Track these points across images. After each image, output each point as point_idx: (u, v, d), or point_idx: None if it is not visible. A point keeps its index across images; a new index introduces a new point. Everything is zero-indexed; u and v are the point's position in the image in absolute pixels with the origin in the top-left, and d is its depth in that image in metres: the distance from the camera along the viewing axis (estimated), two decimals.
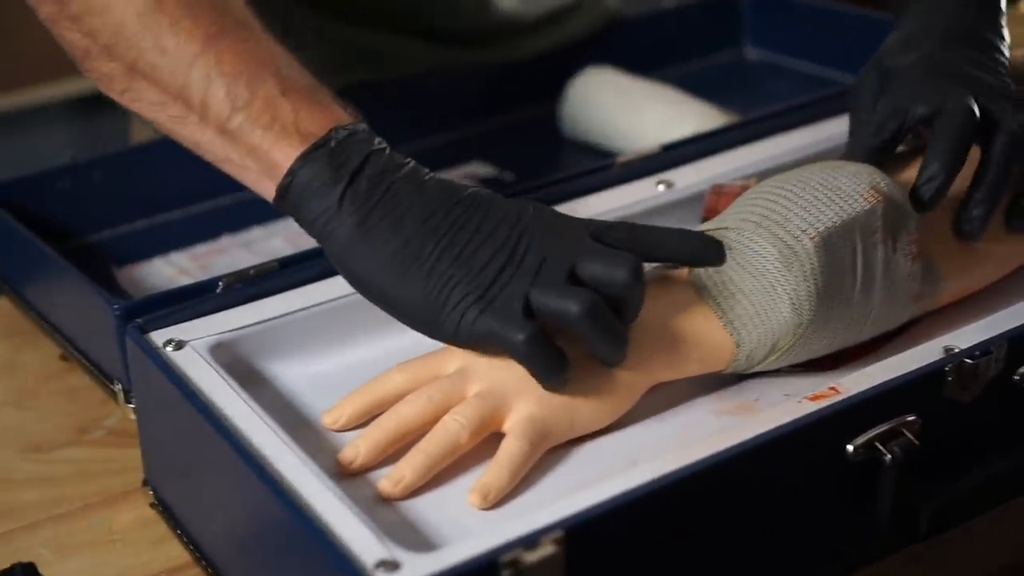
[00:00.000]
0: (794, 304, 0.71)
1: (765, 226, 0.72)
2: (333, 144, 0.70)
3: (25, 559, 0.74)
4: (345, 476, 0.68)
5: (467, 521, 0.66)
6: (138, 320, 0.74)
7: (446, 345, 0.71)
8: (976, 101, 0.76)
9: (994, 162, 0.75)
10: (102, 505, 0.78)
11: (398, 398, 0.71)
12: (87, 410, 0.86)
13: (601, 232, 0.71)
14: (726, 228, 0.74)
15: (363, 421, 0.71)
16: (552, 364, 0.68)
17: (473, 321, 0.67)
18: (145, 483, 0.78)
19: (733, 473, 0.65)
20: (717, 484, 0.64)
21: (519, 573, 0.59)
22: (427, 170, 0.72)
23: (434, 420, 0.69)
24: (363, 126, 0.72)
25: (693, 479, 0.63)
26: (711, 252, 0.71)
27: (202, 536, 0.73)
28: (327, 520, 0.62)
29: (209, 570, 0.72)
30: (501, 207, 0.71)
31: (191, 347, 0.73)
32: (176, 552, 0.74)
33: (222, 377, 0.71)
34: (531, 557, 0.59)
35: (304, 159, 0.70)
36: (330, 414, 0.72)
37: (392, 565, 0.59)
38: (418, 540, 0.64)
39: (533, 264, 0.68)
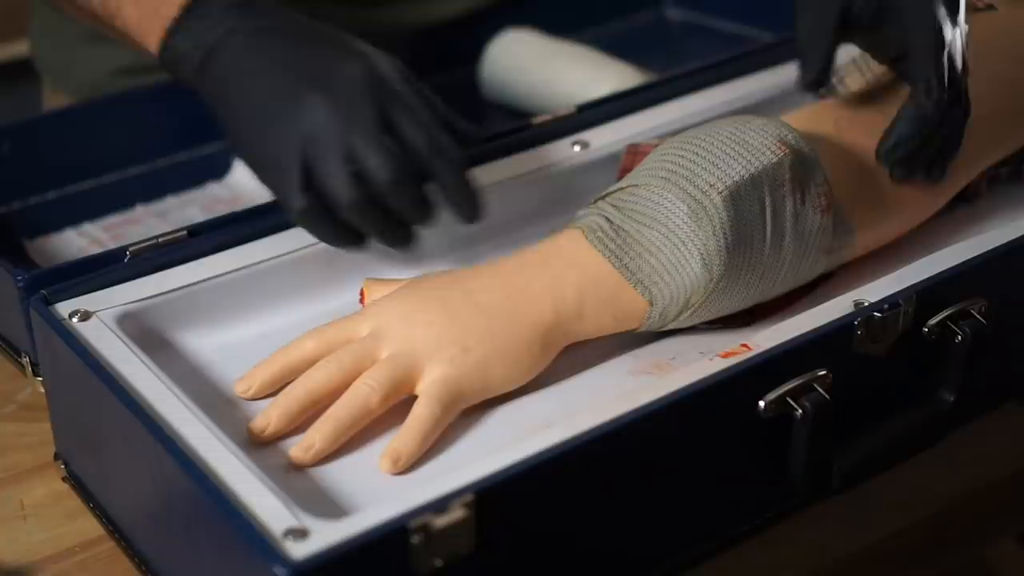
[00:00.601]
0: (704, 259, 0.71)
1: (674, 181, 0.72)
2: None
3: None
4: (257, 445, 0.68)
5: (379, 487, 0.66)
6: (43, 291, 0.73)
7: (358, 311, 0.71)
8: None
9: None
10: (13, 481, 0.77)
11: (310, 364, 0.70)
12: None
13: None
14: (636, 185, 0.74)
15: (275, 389, 0.71)
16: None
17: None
18: (57, 456, 0.76)
19: (645, 432, 0.65)
20: (629, 444, 0.64)
21: (429, 537, 0.58)
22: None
23: (345, 385, 0.69)
24: None
25: (604, 439, 0.63)
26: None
27: (114, 509, 0.72)
28: (235, 490, 0.61)
29: (122, 543, 0.71)
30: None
31: (97, 318, 0.72)
32: (89, 526, 0.73)
33: (129, 348, 0.70)
34: (441, 521, 0.59)
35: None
36: (242, 383, 0.71)
37: (301, 533, 0.59)
38: (328, 507, 0.64)
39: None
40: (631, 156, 0.86)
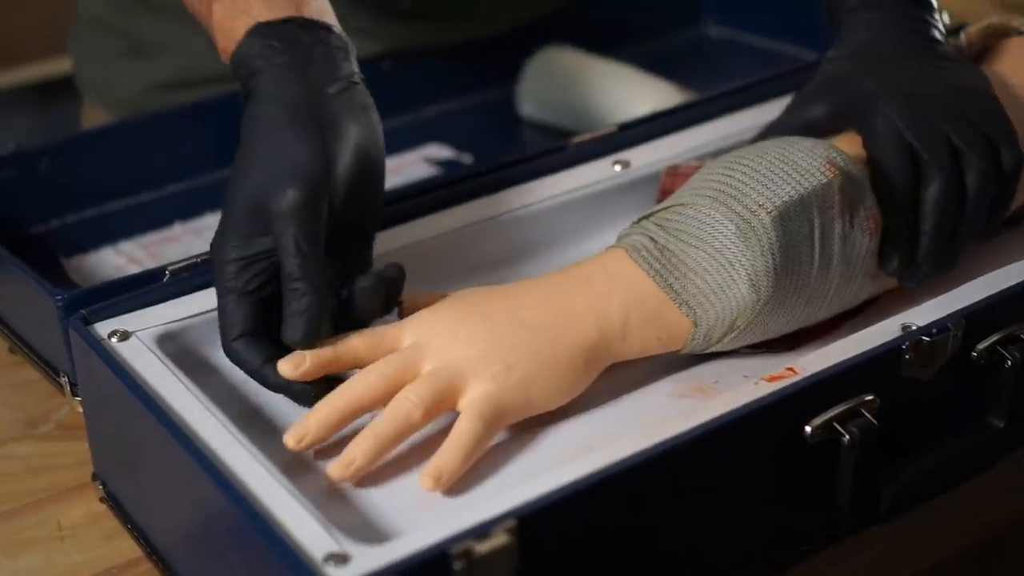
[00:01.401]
0: (752, 280, 0.70)
1: (722, 200, 0.71)
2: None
3: None
4: (294, 453, 0.67)
5: (420, 510, 0.65)
6: (82, 311, 0.72)
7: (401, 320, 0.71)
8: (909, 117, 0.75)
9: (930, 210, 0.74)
10: (51, 501, 0.77)
11: (353, 363, 0.69)
12: (36, 404, 0.84)
13: None
14: (681, 205, 0.73)
15: (319, 376, 0.69)
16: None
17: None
18: (95, 477, 0.76)
19: (690, 457, 0.64)
20: (673, 469, 0.63)
21: (471, 564, 0.57)
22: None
23: (386, 398, 0.68)
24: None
25: (649, 464, 0.62)
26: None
27: (152, 531, 0.71)
28: (275, 513, 0.60)
29: (160, 565, 0.70)
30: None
31: (136, 338, 0.72)
32: (127, 547, 0.73)
33: (168, 368, 0.69)
34: (483, 548, 0.58)
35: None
36: (288, 362, 0.69)
37: (342, 559, 0.58)
38: (368, 531, 0.63)
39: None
40: (671, 178, 0.85)
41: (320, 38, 0.73)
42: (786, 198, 0.70)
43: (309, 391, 0.68)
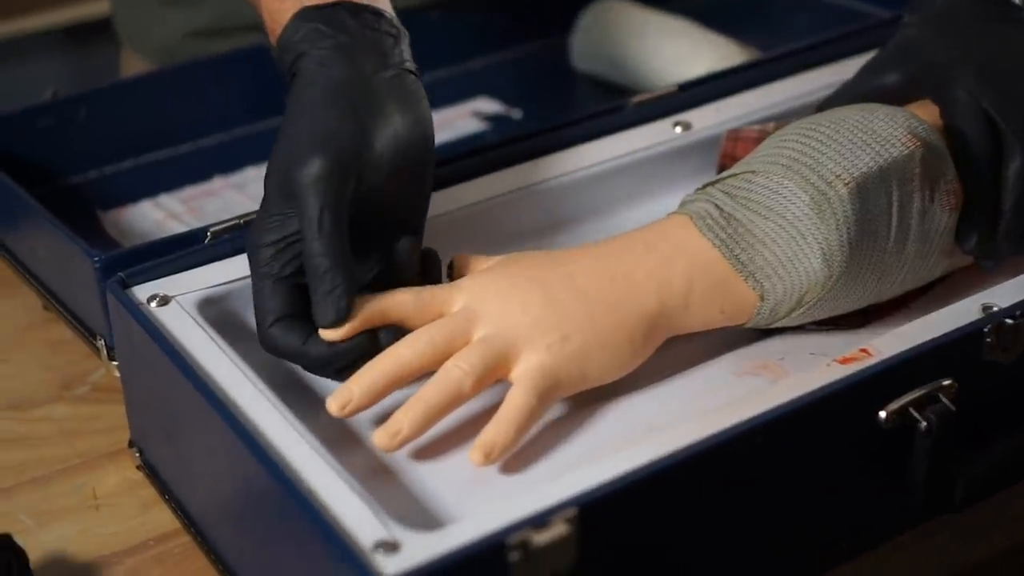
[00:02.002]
0: (825, 255, 0.66)
1: (796, 169, 0.67)
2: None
3: (4, 527, 0.70)
4: (339, 426, 0.64)
5: (470, 490, 0.62)
6: (120, 274, 0.69)
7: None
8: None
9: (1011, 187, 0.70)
10: (85, 468, 0.74)
11: (402, 317, 0.66)
12: (71, 364, 0.81)
13: None
14: (751, 172, 0.69)
15: (365, 328, 0.65)
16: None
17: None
18: (131, 444, 0.73)
19: (758, 443, 0.60)
20: (741, 455, 0.60)
21: (528, 555, 0.54)
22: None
23: (435, 364, 0.64)
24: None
25: (717, 450, 0.59)
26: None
27: (191, 503, 0.68)
28: (321, 494, 0.57)
29: (198, 539, 0.68)
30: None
31: (177, 303, 0.68)
32: (164, 519, 0.70)
33: (209, 336, 0.66)
34: (542, 537, 0.54)
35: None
36: (335, 330, 0.65)
37: (391, 546, 0.55)
38: (418, 515, 0.60)
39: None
40: (732, 143, 0.81)
41: (369, 23, 0.68)
42: (864, 169, 0.66)
43: (352, 352, 0.65)
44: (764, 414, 0.60)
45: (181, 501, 0.69)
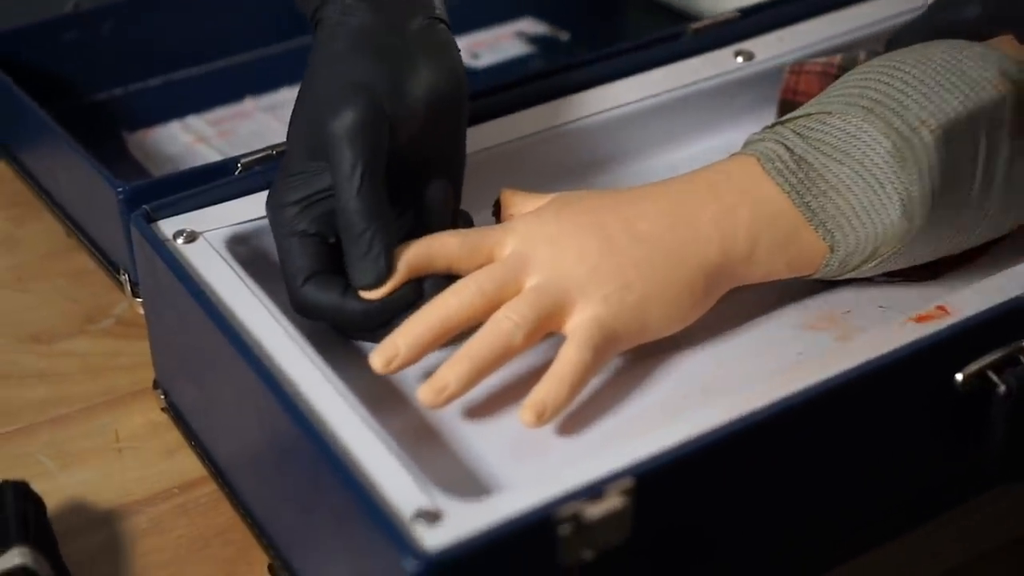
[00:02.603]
0: (905, 205, 0.61)
1: (877, 112, 0.62)
2: None
3: (23, 468, 0.66)
4: (383, 374, 0.59)
5: (518, 454, 0.58)
6: (145, 207, 0.65)
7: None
8: None
9: None
10: (108, 407, 0.70)
11: (445, 264, 0.62)
12: (95, 295, 0.77)
13: None
14: (827, 113, 0.64)
15: (409, 276, 0.61)
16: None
17: None
18: (156, 385, 0.69)
19: (826, 408, 0.56)
20: (809, 421, 0.56)
21: (580, 528, 0.50)
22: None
23: (484, 315, 0.60)
24: None
25: (783, 416, 0.54)
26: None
27: (217, 450, 0.65)
28: (357, 456, 0.53)
29: (225, 488, 0.64)
30: None
31: (204, 239, 0.64)
32: (189, 465, 0.67)
33: (239, 276, 0.62)
34: (594, 511, 0.50)
35: None
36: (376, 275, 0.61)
37: (433, 516, 0.51)
38: (462, 481, 0.56)
39: None
40: (794, 76, 0.76)
41: None
42: (952, 114, 0.61)
43: (395, 305, 0.61)
44: (835, 377, 0.56)
45: (207, 448, 0.66)
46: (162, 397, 0.69)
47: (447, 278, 0.61)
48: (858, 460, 0.59)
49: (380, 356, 0.59)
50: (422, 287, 0.61)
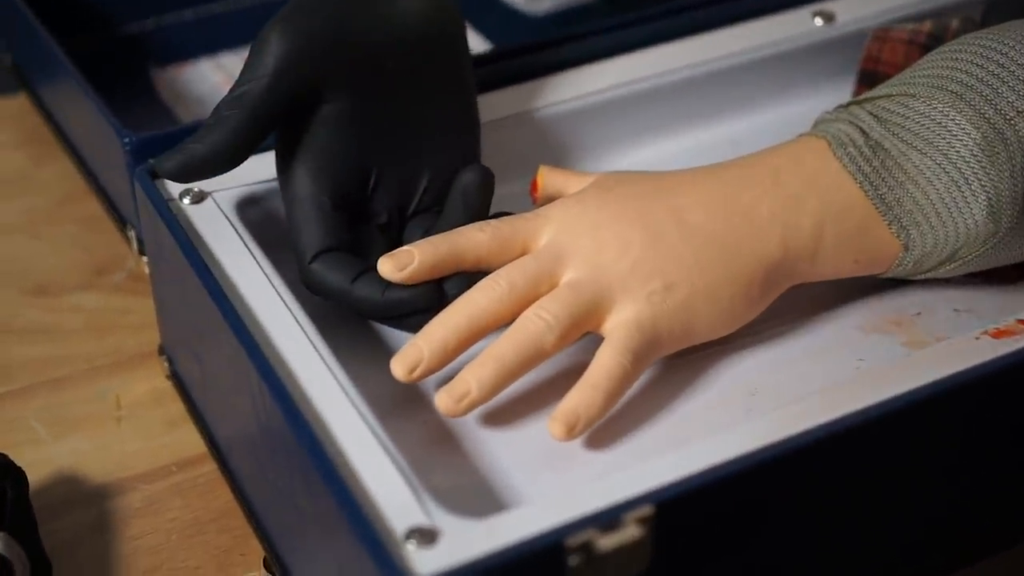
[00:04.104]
0: (992, 206, 0.54)
1: (967, 99, 0.55)
2: None
3: (13, 434, 0.62)
4: (406, 383, 0.54)
5: (543, 472, 0.52)
6: (151, 161, 0.60)
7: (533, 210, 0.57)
8: None
9: None
10: (111, 370, 0.66)
11: (475, 261, 0.56)
12: (107, 246, 0.72)
13: None
14: (911, 96, 0.57)
15: (433, 277, 0.56)
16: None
17: None
18: (161, 351, 0.65)
19: (888, 431, 0.50)
20: (866, 445, 0.50)
21: (592, 560, 0.45)
22: None
23: (513, 312, 0.54)
24: None
25: (834, 440, 0.48)
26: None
27: (217, 427, 0.60)
28: (351, 461, 0.48)
29: (223, 469, 0.59)
30: None
31: (213, 200, 0.59)
32: (190, 440, 0.62)
33: (246, 246, 0.57)
34: (608, 541, 0.45)
35: None
36: (395, 258, 0.55)
37: (428, 536, 0.45)
38: (472, 498, 0.50)
39: None
40: (878, 43, 0.69)
41: None
42: None
43: (410, 304, 0.55)
44: (899, 397, 0.49)
45: (208, 424, 0.61)
46: (167, 364, 0.64)
47: (472, 277, 0.56)
48: (916, 483, 0.53)
49: (402, 363, 0.53)
50: (443, 290, 0.56)
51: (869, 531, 0.53)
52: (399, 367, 0.53)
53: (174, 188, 0.59)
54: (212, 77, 0.80)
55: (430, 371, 0.54)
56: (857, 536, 0.52)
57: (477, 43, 0.82)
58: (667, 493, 0.46)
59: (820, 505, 0.50)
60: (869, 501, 0.52)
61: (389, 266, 0.55)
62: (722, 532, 0.48)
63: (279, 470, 0.52)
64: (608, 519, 0.45)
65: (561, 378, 0.55)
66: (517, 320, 0.54)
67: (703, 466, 0.47)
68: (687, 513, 0.47)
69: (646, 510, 0.45)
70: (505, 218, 0.57)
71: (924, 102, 0.56)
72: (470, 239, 0.56)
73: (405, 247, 0.55)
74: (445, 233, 0.56)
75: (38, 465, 0.60)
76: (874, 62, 0.68)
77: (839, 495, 0.50)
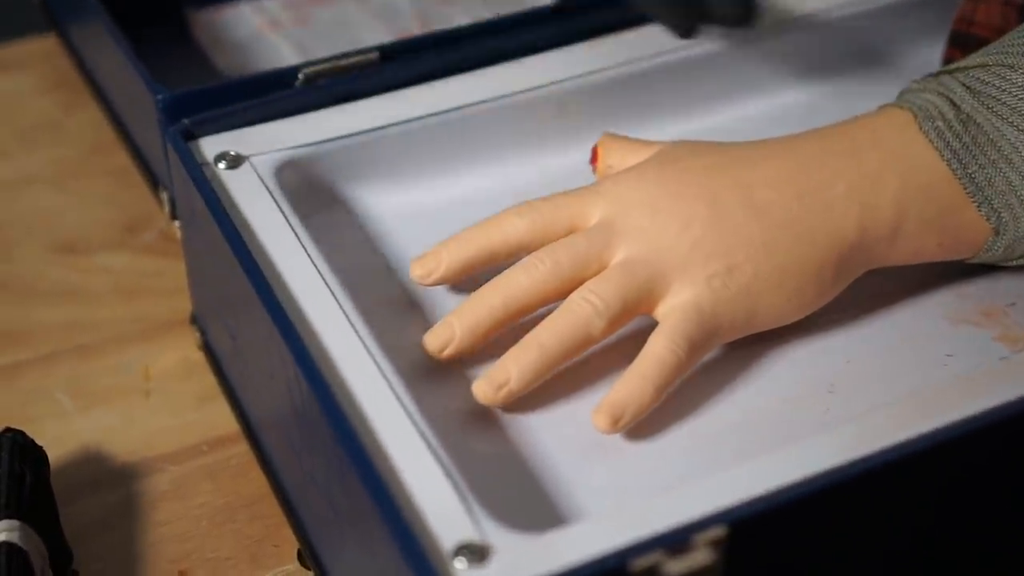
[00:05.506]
0: None
1: None
2: None
3: (37, 406, 0.59)
4: (438, 360, 0.50)
5: (588, 468, 0.47)
6: (185, 121, 0.55)
7: (588, 185, 0.53)
8: None
9: None
10: (141, 337, 0.62)
11: (515, 252, 0.52)
12: (139, 201, 0.68)
13: None
14: (1008, 66, 0.52)
15: (465, 277, 0.53)
16: None
17: None
18: (193, 320, 0.61)
19: (989, 443, 0.45)
20: (966, 458, 0.45)
21: None
22: None
23: (559, 295, 0.50)
24: None
25: (929, 453, 0.44)
26: None
27: (249, 407, 0.56)
28: (394, 464, 0.44)
29: (256, 450, 0.56)
30: None
31: (251, 165, 0.55)
32: (222, 418, 0.58)
33: (285, 217, 0.52)
34: (677, 567, 0.41)
35: None
36: (421, 263, 0.53)
37: (479, 553, 0.41)
38: (512, 503, 0.45)
39: None
40: (971, 3, 0.63)
41: None
42: None
43: None
44: (1003, 407, 0.45)
45: (240, 401, 0.57)
46: (199, 335, 0.60)
47: None
48: (1001, 502, 0.48)
49: (434, 339, 0.50)
50: None
51: (967, 554, 0.48)
52: (432, 343, 0.50)
53: (209, 151, 0.55)
54: (251, 20, 0.75)
55: (462, 351, 0.50)
56: (954, 560, 0.48)
57: None
58: (742, 512, 0.42)
59: (915, 525, 0.46)
60: (971, 520, 0.47)
61: (418, 271, 0.52)
62: (802, 556, 0.44)
63: (315, 463, 0.48)
64: (677, 540, 0.41)
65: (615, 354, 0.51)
66: (563, 303, 0.50)
67: (783, 481, 0.43)
68: (763, 535, 0.42)
69: (719, 531, 0.41)
70: (549, 197, 0.53)
71: (1021, 73, 0.51)
72: (505, 228, 0.52)
73: (433, 248, 0.52)
74: (479, 224, 0.52)
75: (62, 440, 0.57)
76: (967, 24, 0.63)
77: (937, 514, 0.46)
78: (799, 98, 0.64)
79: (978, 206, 0.52)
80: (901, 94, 0.55)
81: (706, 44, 0.61)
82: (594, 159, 0.56)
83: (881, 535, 0.46)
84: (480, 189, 0.58)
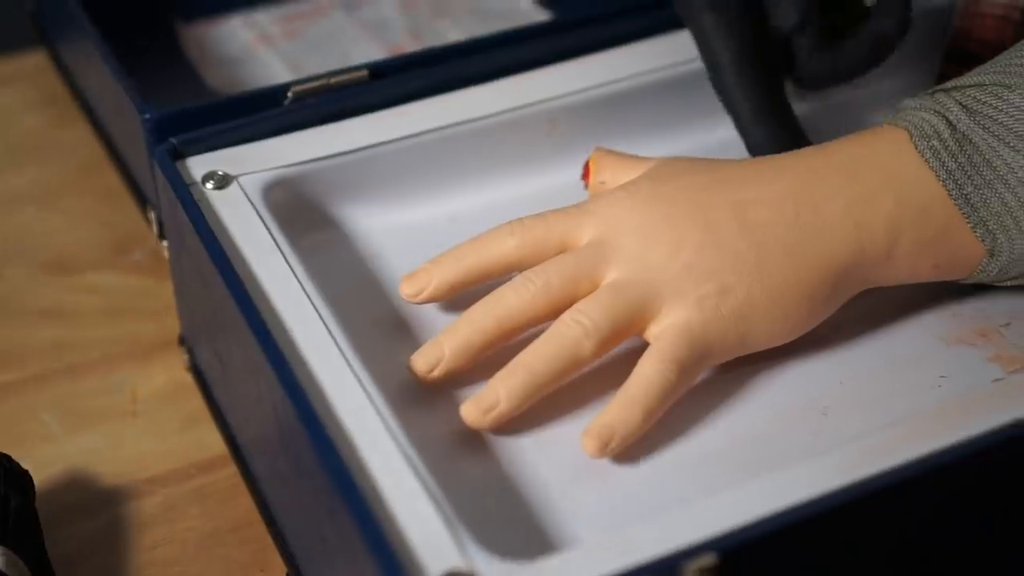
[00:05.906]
0: None
1: None
2: None
3: (22, 427, 0.58)
4: (426, 382, 0.50)
5: (574, 493, 0.47)
6: (172, 140, 0.55)
7: (579, 202, 0.52)
8: None
9: None
10: (127, 358, 0.62)
11: (506, 270, 0.52)
12: (129, 221, 0.68)
13: None
14: (1005, 86, 0.51)
15: (454, 295, 0.52)
16: None
17: None
18: (181, 341, 0.60)
19: (985, 469, 0.45)
20: (962, 485, 0.45)
21: None
22: None
23: (549, 315, 0.50)
24: None
25: (923, 479, 0.43)
26: None
27: (238, 429, 0.56)
28: (379, 489, 0.43)
29: (246, 475, 0.55)
30: None
31: (238, 185, 0.54)
32: (210, 440, 0.58)
33: (273, 238, 0.52)
34: None
35: None
36: (412, 281, 0.52)
37: None
38: (500, 528, 0.45)
39: None
40: (968, 19, 0.63)
41: None
42: None
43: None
44: (998, 430, 0.44)
45: (229, 424, 0.56)
46: (186, 356, 0.60)
47: None
48: (1004, 530, 0.48)
49: (422, 359, 0.49)
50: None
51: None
52: (419, 364, 0.50)
53: (197, 171, 0.54)
54: (242, 35, 0.75)
55: (451, 371, 0.50)
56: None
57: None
58: (732, 540, 0.41)
59: (908, 551, 0.45)
60: (968, 546, 0.47)
61: (408, 289, 0.52)
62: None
63: (301, 489, 0.48)
64: (665, 568, 0.41)
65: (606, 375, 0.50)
66: (552, 325, 0.49)
67: (774, 507, 0.42)
68: (754, 563, 0.42)
69: (708, 559, 0.41)
70: (540, 215, 0.52)
71: (1019, 93, 0.50)
72: (496, 246, 0.52)
73: (424, 266, 0.52)
74: (470, 241, 0.52)
75: (48, 462, 0.56)
76: (963, 38, 0.63)
77: (931, 539, 0.46)
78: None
79: (973, 227, 0.51)
80: (896, 111, 0.54)
81: (697, 61, 0.60)
82: (586, 175, 0.56)
83: (874, 561, 0.45)
84: (471, 207, 0.58)
